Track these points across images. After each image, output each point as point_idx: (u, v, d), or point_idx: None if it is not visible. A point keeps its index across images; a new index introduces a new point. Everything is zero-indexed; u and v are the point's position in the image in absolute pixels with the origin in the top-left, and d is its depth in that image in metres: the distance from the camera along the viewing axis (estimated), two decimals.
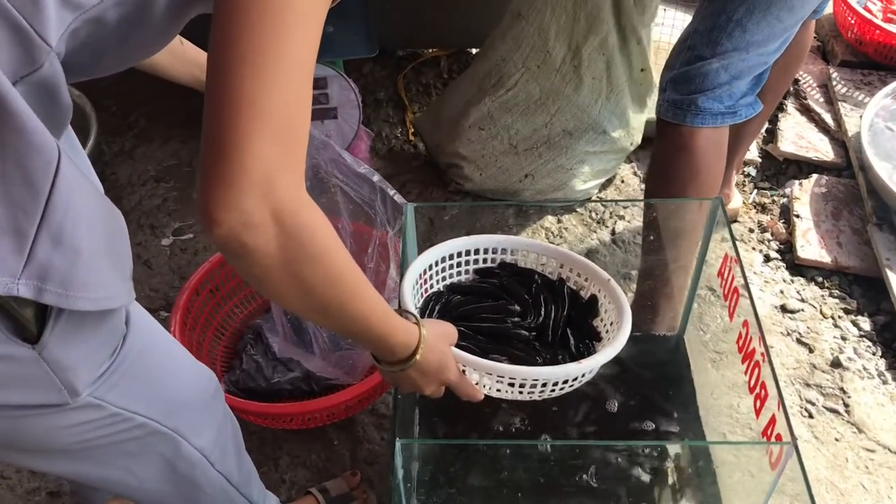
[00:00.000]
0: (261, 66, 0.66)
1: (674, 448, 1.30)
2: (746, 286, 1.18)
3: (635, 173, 2.14)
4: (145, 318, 0.91)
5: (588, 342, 1.22)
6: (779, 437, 1.04)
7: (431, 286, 1.25)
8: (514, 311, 1.21)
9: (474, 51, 2.47)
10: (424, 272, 1.23)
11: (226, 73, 0.67)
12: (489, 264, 1.29)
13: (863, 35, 2.24)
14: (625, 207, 2.01)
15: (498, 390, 1.08)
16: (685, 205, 1.42)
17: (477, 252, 1.28)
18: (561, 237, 1.96)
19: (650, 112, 1.98)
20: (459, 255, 1.27)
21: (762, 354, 1.11)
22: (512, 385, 1.07)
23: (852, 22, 2.25)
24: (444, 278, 1.26)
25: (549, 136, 1.99)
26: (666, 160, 1.44)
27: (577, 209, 2.03)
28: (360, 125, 2.06)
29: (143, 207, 2.02)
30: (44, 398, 0.78)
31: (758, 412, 1.12)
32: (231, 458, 1.09)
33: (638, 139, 2.04)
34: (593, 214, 2.02)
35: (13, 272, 0.68)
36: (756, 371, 1.13)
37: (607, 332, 1.22)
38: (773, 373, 1.07)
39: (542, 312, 1.22)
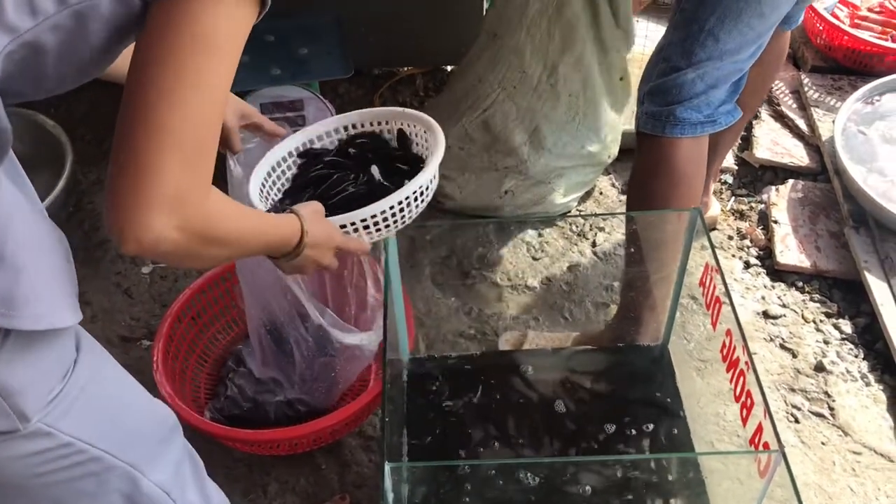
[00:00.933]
0: (179, 99, 0.72)
1: (663, 459, 1.30)
2: (728, 294, 1.19)
3: (613, 185, 2.15)
4: (96, 346, 0.90)
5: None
6: (766, 446, 1.04)
7: (282, 185, 1.32)
8: (347, 176, 1.26)
9: (450, 68, 2.48)
10: (268, 176, 1.29)
11: (144, 103, 0.72)
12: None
13: (831, 41, 2.27)
14: (605, 220, 2.02)
15: (378, 231, 1.16)
16: (664, 216, 1.43)
17: (321, 138, 1.35)
18: (542, 251, 1.97)
19: (628, 122, 1.99)
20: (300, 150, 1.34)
21: (746, 363, 1.11)
22: (384, 222, 1.15)
23: (821, 28, 2.28)
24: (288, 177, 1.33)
25: (527, 154, 2.00)
26: (647, 173, 1.45)
27: (558, 223, 2.03)
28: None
29: None
30: None
31: (744, 420, 1.12)
32: (194, 495, 1.07)
33: (615, 151, 2.05)
34: (573, 227, 2.02)
35: None
36: (741, 379, 1.13)
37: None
38: (757, 381, 1.08)
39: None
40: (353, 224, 1.13)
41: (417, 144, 1.30)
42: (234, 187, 1.36)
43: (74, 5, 0.75)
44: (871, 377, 1.68)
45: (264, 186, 1.28)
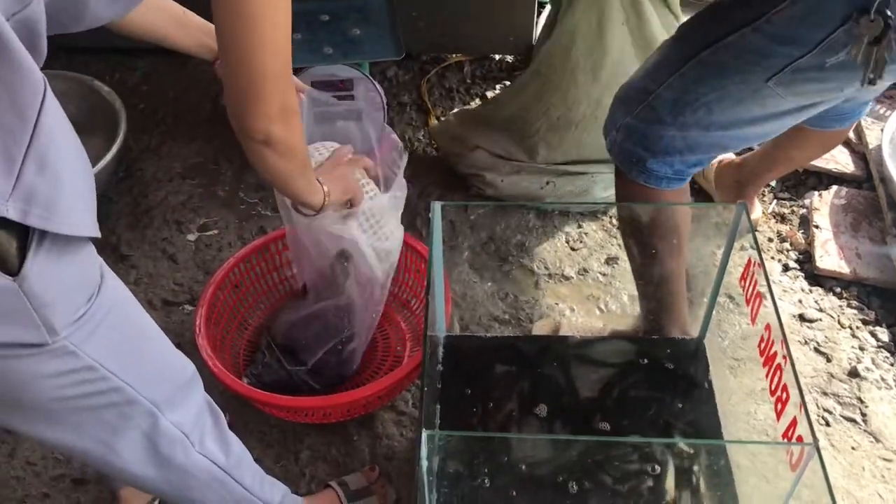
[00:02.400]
0: (266, 38, 0.95)
1: (695, 448, 1.31)
2: (769, 289, 1.19)
3: None
4: (119, 282, 0.95)
5: None
6: (800, 439, 1.05)
7: None
8: None
9: (497, 57, 2.49)
10: None
11: (246, 48, 0.95)
12: None
13: None
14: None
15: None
16: (708, 210, 1.44)
17: None
18: (581, 242, 1.98)
19: None
20: None
21: (784, 357, 1.12)
22: None
23: None
24: None
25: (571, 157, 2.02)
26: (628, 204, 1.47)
27: (599, 215, 2.04)
28: (386, 126, 2.09)
29: (169, 203, 2.05)
30: (23, 335, 0.81)
31: (779, 415, 1.13)
32: (213, 443, 1.11)
33: None
34: (613, 220, 2.03)
35: (3, 194, 0.73)
36: (778, 374, 1.14)
37: None
38: (794, 375, 1.08)
39: None
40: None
41: None
42: None
43: None
44: None
45: None
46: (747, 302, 1.28)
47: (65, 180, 0.79)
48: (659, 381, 1.51)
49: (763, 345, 1.20)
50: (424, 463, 1.07)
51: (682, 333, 1.54)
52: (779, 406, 1.13)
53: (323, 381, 1.63)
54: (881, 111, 2.18)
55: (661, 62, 1.35)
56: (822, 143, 1.71)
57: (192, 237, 1.96)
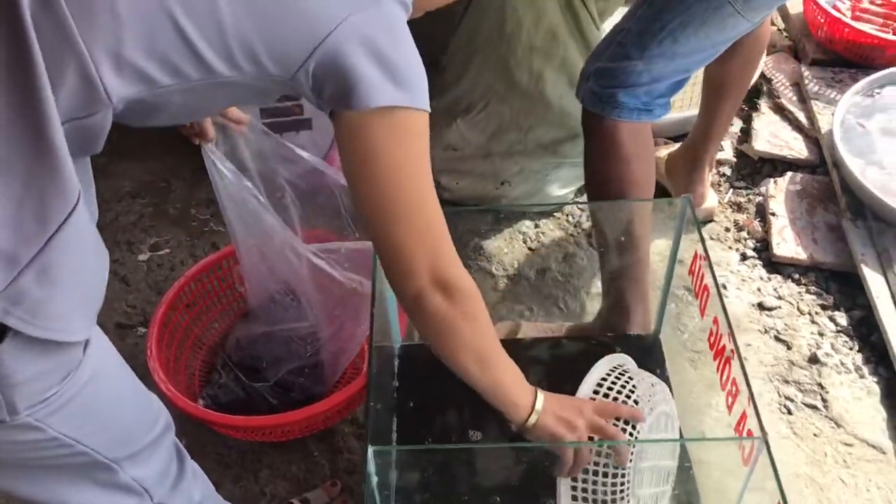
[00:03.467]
0: (406, 200, 0.91)
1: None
2: (715, 282, 1.18)
3: None
4: (104, 344, 0.92)
5: None
6: (750, 433, 1.04)
7: None
8: None
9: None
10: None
11: (384, 210, 0.91)
12: None
13: (833, 34, 2.26)
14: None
15: None
16: (656, 205, 1.44)
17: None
18: (538, 241, 1.97)
19: None
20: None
21: (732, 350, 1.11)
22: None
23: (822, 21, 2.27)
24: None
25: (524, 149, 2.00)
26: (597, 157, 1.49)
27: (555, 214, 2.03)
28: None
29: (120, 223, 2.01)
30: None
31: (730, 408, 1.12)
32: (174, 494, 1.08)
33: None
34: (570, 218, 2.02)
35: None
36: (727, 367, 1.13)
37: None
38: (742, 368, 1.08)
39: None
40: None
41: None
42: (226, 185, 1.37)
43: (219, 79, 0.82)
44: (865, 369, 1.68)
45: None
46: (696, 295, 1.27)
47: (65, 290, 0.77)
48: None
49: (713, 338, 1.19)
50: (374, 479, 1.06)
51: (643, 330, 1.53)
52: (729, 399, 1.12)
53: (289, 400, 1.60)
54: (832, 95, 2.19)
55: (631, 8, 1.44)
56: (744, 54, 1.73)
57: (143, 257, 1.93)
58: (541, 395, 1.05)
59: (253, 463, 1.57)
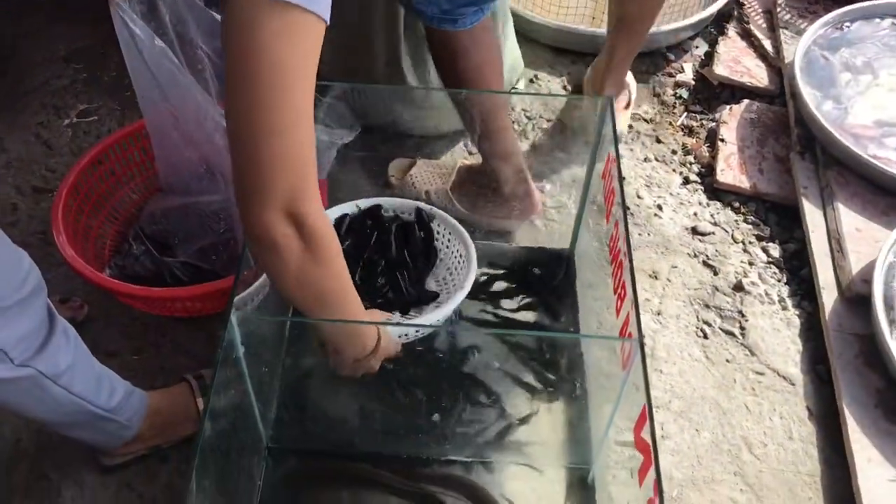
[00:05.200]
0: (273, 120, 0.80)
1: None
2: (620, 185, 1.14)
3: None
4: None
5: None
6: (631, 335, 1.02)
7: None
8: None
9: None
10: None
11: (248, 126, 0.81)
12: None
13: None
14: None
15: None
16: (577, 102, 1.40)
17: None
18: None
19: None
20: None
21: (624, 254, 1.07)
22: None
23: None
24: None
25: None
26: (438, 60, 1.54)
27: None
28: None
29: (50, 87, 1.94)
30: None
31: (618, 311, 1.09)
32: (40, 355, 1.04)
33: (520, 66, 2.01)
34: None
35: None
36: (619, 272, 1.10)
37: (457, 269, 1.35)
38: (631, 273, 1.04)
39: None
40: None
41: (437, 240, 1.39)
42: (137, 44, 1.30)
43: None
44: (789, 302, 1.65)
45: None
46: (605, 200, 1.23)
47: None
48: (530, 284, 1.48)
49: (612, 243, 1.15)
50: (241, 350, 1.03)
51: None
52: (618, 303, 1.09)
53: (199, 278, 1.56)
54: (802, 25, 2.11)
55: None
56: None
57: (68, 122, 1.87)
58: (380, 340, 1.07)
59: (156, 337, 1.55)
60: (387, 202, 1.42)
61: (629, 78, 1.98)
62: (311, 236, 0.87)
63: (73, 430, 1.22)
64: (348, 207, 1.41)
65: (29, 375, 1.02)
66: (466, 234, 1.34)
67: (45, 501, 1.34)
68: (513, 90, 1.98)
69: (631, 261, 1.05)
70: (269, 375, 1.26)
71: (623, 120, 1.96)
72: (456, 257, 1.35)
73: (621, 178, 1.15)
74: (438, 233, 1.38)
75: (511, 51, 1.96)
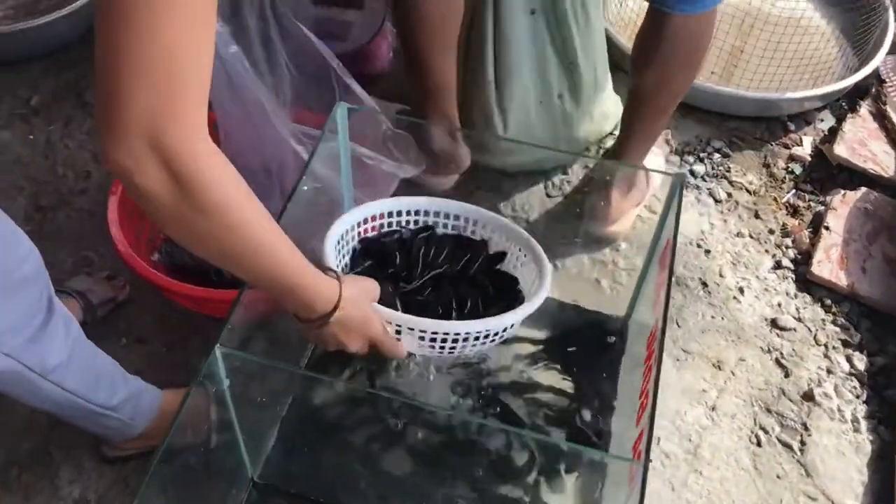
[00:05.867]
0: (132, 17, 0.62)
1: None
2: (669, 277, 1.02)
3: None
4: None
5: (506, 299, 1.14)
6: (639, 456, 0.91)
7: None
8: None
9: None
10: (347, 231, 1.17)
11: (106, 29, 0.63)
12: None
13: None
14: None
15: (420, 346, 1.03)
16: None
17: (400, 214, 1.23)
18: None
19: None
20: (382, 216, 1.22)
21: (656, 360, 0.96)
22: (433, 341, 1.01)
23: None
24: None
25: None
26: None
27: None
28: (386, 21, 1.94)
29: None
30: None
31: (638, 419, 0.98)
32: (29, 345, 1.01)
33: (607, 127, 1.86)
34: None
35: None
36: (648, 376, 0.99)
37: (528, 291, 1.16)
38: (655, 382, 0.93)
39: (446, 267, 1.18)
40: (399, 327, 1.01)
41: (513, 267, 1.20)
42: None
43: None
44: (863, 424, 1.48)
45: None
46: (656, 289, 1.11)
47: None
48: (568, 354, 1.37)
49: (650, 338, 1.04)
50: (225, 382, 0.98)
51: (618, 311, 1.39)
52: (640, 412, 0.98)
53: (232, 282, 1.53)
54: None
55: None
56: (660, 64, 1.42)
57: None
58: (343, 293, 0.92)
59: (189, 332, 1.53)
60: (427, 203, 1.24)
61: (646, 170, 1.69)
62: (185, 179, 0.67)
63: (73, 421, 1.20)
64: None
65: (10, 367, 1.00)
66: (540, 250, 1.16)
67: (42, 479, 1.34)
68: (599, 149, 1.86)
69: (659, 368, 0.94)
70: (268, 411, 1.20)
71: (626, 220, 1.67)
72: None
73: (671, 271, 1.03)
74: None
75: (608, 96, 1.85)
